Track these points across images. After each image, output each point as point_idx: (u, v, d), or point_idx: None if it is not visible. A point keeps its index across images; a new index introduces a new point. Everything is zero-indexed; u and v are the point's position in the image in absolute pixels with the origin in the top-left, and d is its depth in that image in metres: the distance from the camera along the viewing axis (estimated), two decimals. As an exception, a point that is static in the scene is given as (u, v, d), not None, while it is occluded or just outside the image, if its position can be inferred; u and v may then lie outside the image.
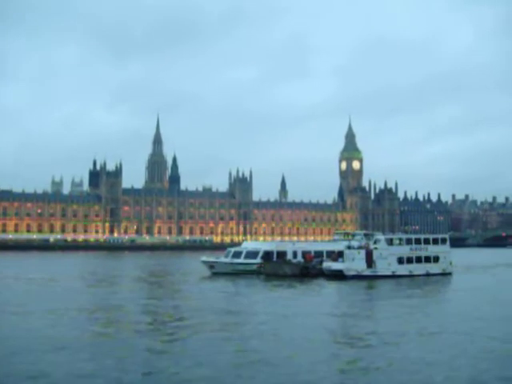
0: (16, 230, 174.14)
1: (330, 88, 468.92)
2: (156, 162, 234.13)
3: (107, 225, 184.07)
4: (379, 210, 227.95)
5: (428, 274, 52.26)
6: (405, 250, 52.61)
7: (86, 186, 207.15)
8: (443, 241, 56.22)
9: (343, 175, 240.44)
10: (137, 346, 19.52)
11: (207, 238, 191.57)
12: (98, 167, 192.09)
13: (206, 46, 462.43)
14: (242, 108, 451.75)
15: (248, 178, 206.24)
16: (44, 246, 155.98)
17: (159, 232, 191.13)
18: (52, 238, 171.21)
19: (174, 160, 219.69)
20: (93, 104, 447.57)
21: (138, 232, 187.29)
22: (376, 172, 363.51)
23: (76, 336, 21.43)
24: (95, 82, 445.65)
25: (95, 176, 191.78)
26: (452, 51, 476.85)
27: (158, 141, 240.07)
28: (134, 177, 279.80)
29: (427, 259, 53.61)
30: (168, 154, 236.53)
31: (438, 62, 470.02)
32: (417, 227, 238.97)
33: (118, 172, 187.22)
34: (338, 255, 52.17)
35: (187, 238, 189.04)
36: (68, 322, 24.67)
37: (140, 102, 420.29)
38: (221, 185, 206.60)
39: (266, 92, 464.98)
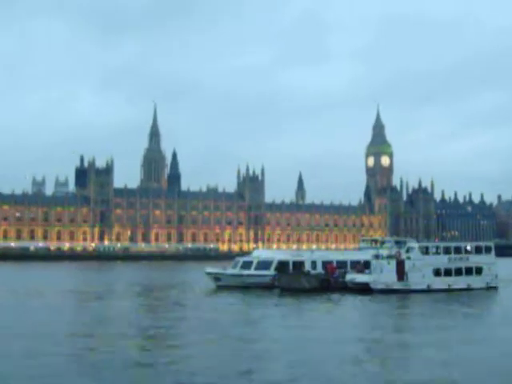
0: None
1: (350, 73, 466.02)
2: (153, 159, 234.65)
3: (96, 231, 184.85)
4: (412, 213, 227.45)
5: (469, 289, 51.96)
6: (442, 261, 52.34)
7: (71, 186, 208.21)
8: (487, 249, 55.87)
9: (370, 173, 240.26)
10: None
11: (212, 245, 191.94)
12: (85, 164, 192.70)
13: (210, 25, 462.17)
14: (252, 97, 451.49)
15: (259, 177, 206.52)
16: (23, 256, 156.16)
17: (157, 239, 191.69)
18: (33, 246, 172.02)
19: (174, 156, 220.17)
20: (80, 90, 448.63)
21: (132, 239, 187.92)
22: (408, 169, 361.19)
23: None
24: (82, 64, 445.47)
25: (82, 174, 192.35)
26: (490, 30, 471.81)
27: (155, 134, 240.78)
28: (128, 175, 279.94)
29: (468, 271, 53.27)
30: (167, 149, 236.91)
31: (474, 42, 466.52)
32: (456, 233, 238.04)
33: (108, 170, 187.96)
34: (364, 266, 51.99)
35: (189, 245, 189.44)
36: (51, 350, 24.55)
37: (135, 89, 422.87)
38: (228, 184, 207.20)
39: (279, 78, 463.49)
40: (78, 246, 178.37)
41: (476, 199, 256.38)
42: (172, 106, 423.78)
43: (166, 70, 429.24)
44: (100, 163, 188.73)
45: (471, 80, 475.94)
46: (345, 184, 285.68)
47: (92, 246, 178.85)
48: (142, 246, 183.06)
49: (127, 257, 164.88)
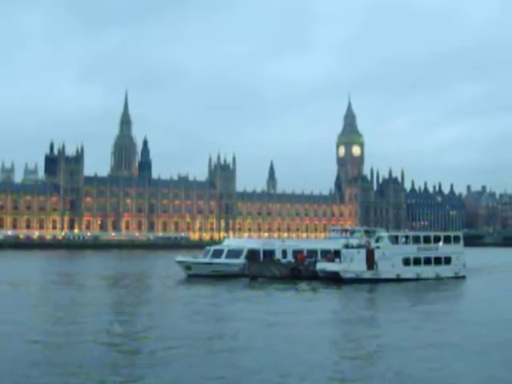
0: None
1: (331, 63, 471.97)
2: (124, 146, 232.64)
3: (66, 219, 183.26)
4: (383, 202, 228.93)
5: (438, 278, 52.42)
6: (412, 250, 52.71)
7: (41, 174, 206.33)
8: (456, 239, 56.41)
9: (341, 162, 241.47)
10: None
11: (183, 234, 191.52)
12: (55, 151, 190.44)
13: (189, 14, 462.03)
14: (228, 86, 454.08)
15: (231, 165, 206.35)
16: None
17: (127, 227, 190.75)
18: (1, 234, 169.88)
19: (145, 143, 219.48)
20: (57, 80, 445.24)
21: (102, 228, 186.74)
22: (380, 159, 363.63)
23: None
24: (61, 54, 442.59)
25: (52, 162, 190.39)
26: (475, 23, 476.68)
27: (126, 121, 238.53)
28: (99, 163, 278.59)
29: (437, 260, 53.74)
30: (138, 136, 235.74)
31: (458, 34, 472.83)
32: (426, 223, 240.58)
33: (78, 157, 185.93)
34: (334, 255, 52.14)
35: (160, 234, 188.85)
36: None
37: (113, 78, 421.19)
38: (199, 173, 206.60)
39: (258, 67, 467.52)
40: (48, 234, 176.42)
41: (446, 189, 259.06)
42: (148, 94, 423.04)
43: (145, 59, 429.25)
44: (70, 151, 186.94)
45: (453, 70, 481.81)
46: (316, 174, 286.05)
47: (62, 234, 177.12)
48: (112, 235, 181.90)
49: (97, 245, 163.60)
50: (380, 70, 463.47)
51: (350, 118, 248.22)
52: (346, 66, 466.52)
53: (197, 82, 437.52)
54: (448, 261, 54.37)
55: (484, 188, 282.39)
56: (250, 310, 32.85)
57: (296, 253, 55.20)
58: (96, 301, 36.74)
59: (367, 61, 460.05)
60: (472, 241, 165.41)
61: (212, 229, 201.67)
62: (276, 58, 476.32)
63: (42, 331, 25.33)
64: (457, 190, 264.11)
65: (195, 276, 53.89)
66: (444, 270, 53.65)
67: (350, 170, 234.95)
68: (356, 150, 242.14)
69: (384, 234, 54.52)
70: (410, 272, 51.76)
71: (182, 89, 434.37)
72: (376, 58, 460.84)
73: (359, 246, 51.21)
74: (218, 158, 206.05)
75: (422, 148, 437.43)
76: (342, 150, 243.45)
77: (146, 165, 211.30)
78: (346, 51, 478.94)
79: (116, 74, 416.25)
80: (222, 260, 55.22)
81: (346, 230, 65.10)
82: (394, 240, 53.37)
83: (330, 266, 50.31)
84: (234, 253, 55.81)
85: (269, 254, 55.69)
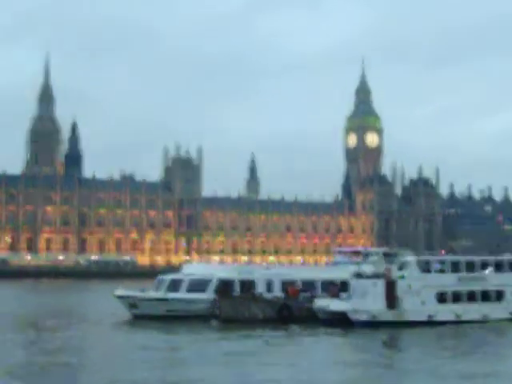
0: None
1: (345, 23, 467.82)
2: (43, 132, 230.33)
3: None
4: (409, 213, 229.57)
5: (486, 320, 52.30)
6: (450, 281, 52.60)
7: None
8: (511, 266, 56.43)
9: (351, 156, 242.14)
10: None
11: (128, 257, 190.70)
12: None
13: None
14: (211, 54, 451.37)
15: (195, 160, 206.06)
16: None
17: (48, 248, 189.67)
18: None
19: (74, 128, 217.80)
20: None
21: (12, 248, 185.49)
22: (405, 153, 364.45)
23: None
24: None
25: None
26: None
27: (46, 97, 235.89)
28: (8, 156, 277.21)
29: (486, 296, 53.67)
30: (64, 118, 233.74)
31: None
32: (470, 243, 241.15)
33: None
34: (340, 288, 51.92)
35: (94, 257, 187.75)
36: None
37: (39, 39, 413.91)
38: (151, 171, 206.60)
39: (245, 27, 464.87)
40: None
41: (498, 196, 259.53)
42: (87, 61, 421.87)
43: (89, 14, 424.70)
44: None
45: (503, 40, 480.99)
46: (316, 173, 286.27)
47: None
48: (26, 258, 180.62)
49: (4, 272, 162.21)
50: (410, 34, 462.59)
51: (363, 94, 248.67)
52: (363, 28, 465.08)
53: (154, 47, 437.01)
54: (500, 296, 54.30)
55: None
56: (219, 374, 32.33)
57: (286, 285, 54.94)
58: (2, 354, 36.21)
59: (393, 21, 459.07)
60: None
61: (168, 250, 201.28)
62: (267, 15, 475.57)
63: None
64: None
65: (143, 317, 53.49)
66: (495, 310, 53.46)
67: (363, 168, 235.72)
68: (372, 139, 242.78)
69: (411, 258, 54.34)
70: (448, 312, 51.58)
71: (133, 56, 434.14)
72: (405, 18, 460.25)
73: (376, 276, 51.00)
74: (177, 149, 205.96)
75: (464, 140, 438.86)
76: (352, 139, 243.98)
77: (74, 159, 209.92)
78: (364, 7, 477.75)
79: (44, 33, 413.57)
80: (182, 295, 54.89)
81: (357, 253, 64.98)
82: (425, 267, 53.20)
83: (335, 304, 50.02)
84: (198, 284, 55.54)
85: (248, 286, 55.41)
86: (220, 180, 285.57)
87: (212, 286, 54.95)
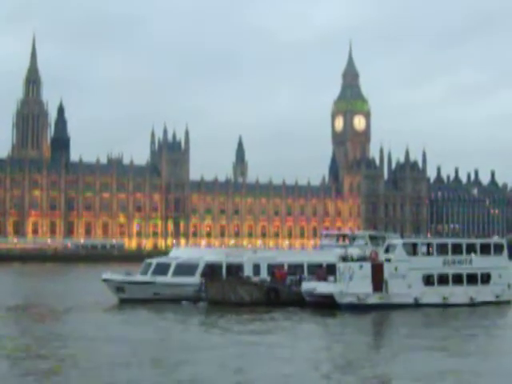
0: None
1: (332, 7, 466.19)
2: (30, 115, 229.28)
3: None
4: (396, 196, 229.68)
5: (473, 303, 52.53)
6: (436, 264, 52.78)
7: None
8: (498, 248, 56.62)
9: (338, 139, 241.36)
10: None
11: (115, 241, 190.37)
12: None
13: None
14: (188, 41, 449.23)
15: (183, 144, 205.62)
16: None
17: (35, 231, 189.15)
18: None
19: (61, 111, 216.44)
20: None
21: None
22: (392, 136, 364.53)
23: None
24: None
25: None
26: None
27: (33, 80, 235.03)
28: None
29: (472, 278, 53.85)
30: (51, 101, 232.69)
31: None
32: (456, 226, 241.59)
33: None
34: (326, 271, 52.01)
35: (81, 241, 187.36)
36: None
37: (36, 22, 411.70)
38: (138, 154, 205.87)
39: (233, 13, 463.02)
40: None
41: (485, 179, 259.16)
42: (75, 45, 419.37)
43: (89, 2, 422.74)
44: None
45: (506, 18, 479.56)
46: (303, 157, 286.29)
47: None
48: (13, 242, 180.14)
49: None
50: (399, 17, 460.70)
51: (350, 77, 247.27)
52: (351, 11, 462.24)
53: (142, 33, 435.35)
54: (486, 279, 54.51)
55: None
56: (209, 355, 32.43)
57: (273, 268, 55.09)
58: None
59: (382, 3, 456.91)
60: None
61: (156, 233, 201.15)
62: (255, 1, 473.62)
63: None
64: (500, 180, 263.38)
65: (129, 301, 53.47)
66: (481, 292, 53.69)
67: (350, 151, 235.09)
68: (359, 122, 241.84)
69: (397, 241, 54.50)
70: (434, 295, 51.78)
71: (121, 42, 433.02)
72: (394, 1, 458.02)
73: (362, 259, 51.12)
74: (165, 132, 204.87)
75: (453, 121, 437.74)
76: (339, 122, 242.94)
77: (61, 142, 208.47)
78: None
79: (33, 19, 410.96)
80: (169, 278, 54.93)
81: (343, 236, 65.33)
82: (412, 250, 53.33)
83: (322, 287, 50.18)
84: (185, 268, 55.57)
85: (235, 269, 55.57)
86: (207, 164, 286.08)
87: (199, 270, 55.02)
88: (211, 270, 55.02)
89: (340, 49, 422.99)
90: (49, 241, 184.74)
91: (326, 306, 48.38)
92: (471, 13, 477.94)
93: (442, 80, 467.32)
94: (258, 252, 62.14)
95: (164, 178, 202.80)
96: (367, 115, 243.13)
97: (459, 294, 52.69)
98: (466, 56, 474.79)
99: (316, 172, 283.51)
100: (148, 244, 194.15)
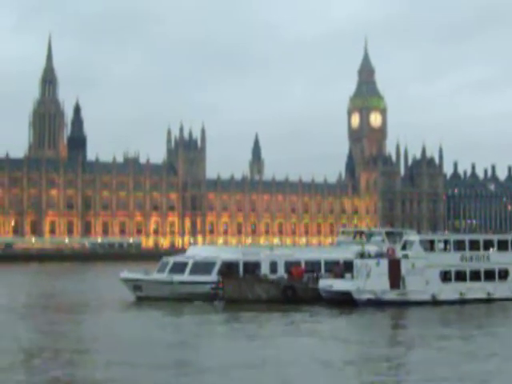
0: None
1: (347, 2, 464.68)
2: (46, 115, 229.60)
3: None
4: (413, 193, 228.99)
5: (490, 299, 52.40)
6: (453, 260, 52.64)
7: None
8: (516, 244, 56.40)
9: (354, 136, 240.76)
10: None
11: (132, 240, 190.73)
12: None
13: None
14: (203, 38, 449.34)
15: (199, 142, 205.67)
16: None
17: (52, 231, 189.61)
18: None
19: (77, 110, 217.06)
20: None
21: (16, 231, 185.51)
22: (409, 133, 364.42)
23: None
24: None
25: None
26: None
27: (49, 78, 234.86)
28: (12, 139, 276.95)
29: (489, 275, 53.70)
30: (67, 100, 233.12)
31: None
32: (474, 222, 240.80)
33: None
34: (344, 268, 51.98)
35: (99, 240, 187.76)
36: None
37: (47, 26, 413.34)
38: (155, 153, 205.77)
39: (246, 10, 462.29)
40: None
41: (502, 175, 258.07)
42: (90, 44, 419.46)
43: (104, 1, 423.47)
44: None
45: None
46: (319, 154, 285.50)
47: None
48: (30, 241, 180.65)
49: (9, 256, 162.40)
50: (414, 12, 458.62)
51: (366, 73, 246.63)
52: (366, 6, 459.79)
53: (157, 31, 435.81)
54: (504, 275, 54.35)
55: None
56: (226, 353, 32.44)
57: (290, 265, 55.02)
58: (8, 342, 36.26)
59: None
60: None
61: (173, 232, 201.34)
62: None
63: None
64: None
65: (147, 299, 53.59)
66: (498, 289, 53.58)
67: (366, 148, 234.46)
68: (375, 119, 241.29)
69: (414, 237, 54.33)
70: (451, 291, 51.66)
71: (136, 40, 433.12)
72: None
73: (379, 255, 51.04)
74: (181, 130, 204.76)
75: (469, 118, 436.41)
76: (355, 119, 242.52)
77: (78, 142, 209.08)
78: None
79: (48, 18, 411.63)
80: (186, 277, 54.88)
81: (360, 233, 64.99)
82: (429, 246, 53.25)
83: (339, 284, 50.14)
84: (202, 266, 55.53)
85: (252, 267, 55.53)
86: (224, 162, 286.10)
87: (216, 268, 54.93)
88: (228, 268, 55.06)
89: (355, 45, 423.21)
90: (66, 240, 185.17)
91: (344, 303, 48.37)
92: (484, 6, 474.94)
93: (454, 74, 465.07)
94: (275, 250, 62.01)
95: (180, 176, 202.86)
96: (383, 112, 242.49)
97: (477, 290, 52.60)
98: (479, 50, 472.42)
99: (332, 169, 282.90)
100: (165, 242, 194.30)
